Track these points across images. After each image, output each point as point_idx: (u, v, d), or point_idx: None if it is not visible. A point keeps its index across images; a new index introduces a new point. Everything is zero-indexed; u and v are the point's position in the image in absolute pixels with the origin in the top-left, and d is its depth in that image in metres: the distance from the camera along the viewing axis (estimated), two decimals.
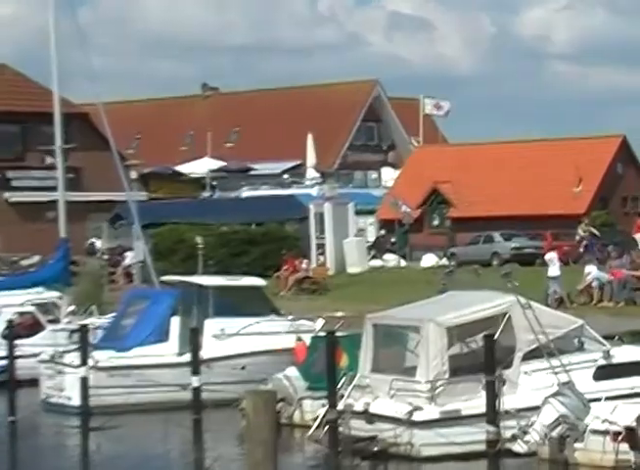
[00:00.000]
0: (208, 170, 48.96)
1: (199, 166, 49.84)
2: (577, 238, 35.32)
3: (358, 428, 14.07)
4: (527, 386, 14.26)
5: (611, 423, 12.83)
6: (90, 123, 38.27)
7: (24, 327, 20.77)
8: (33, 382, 18.74)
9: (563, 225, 37.16)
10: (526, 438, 13.46)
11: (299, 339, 17.65)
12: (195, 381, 14.34)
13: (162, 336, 18.54)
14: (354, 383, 14.49)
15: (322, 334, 16.09)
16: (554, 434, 13.26)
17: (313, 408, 15.45)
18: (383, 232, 41.40)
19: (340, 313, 23.30)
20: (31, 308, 21.61)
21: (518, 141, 43.41)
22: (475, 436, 12.91)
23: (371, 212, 42.47)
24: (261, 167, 50.46)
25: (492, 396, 11.75)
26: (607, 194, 40.80)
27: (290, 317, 19.48)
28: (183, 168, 49.85)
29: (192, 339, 14.94)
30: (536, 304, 15.00)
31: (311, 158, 46.50)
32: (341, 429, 13.46)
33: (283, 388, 15.96)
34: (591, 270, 27.00)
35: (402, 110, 54.53)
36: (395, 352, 14.96)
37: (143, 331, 18.61)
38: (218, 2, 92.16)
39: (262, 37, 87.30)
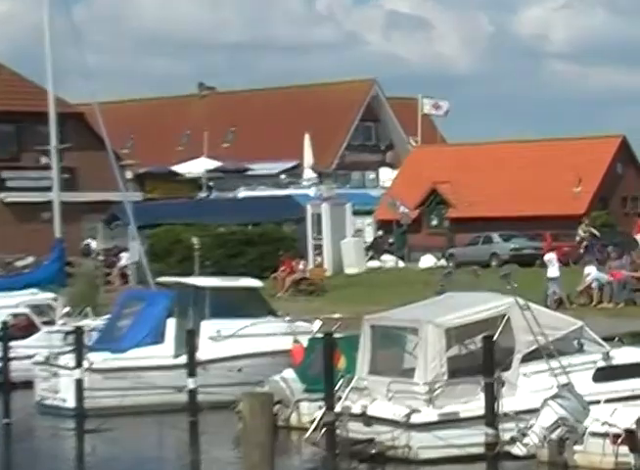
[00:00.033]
0: (205, 170, 48.90)
1: (195, 167, 49.77)
2: (578, 239, 35.22)
3: (356, 430, 14.04)
4: (527, 388, 14.22)
5: (610, 425, 12.80)
6: (85, 123, 38.22)
7: (19, 329, 20.74)
8: (28, 384, 18.72)
9: (562, 226, 37.07)
10: (525, 440, 13.43)
11: (297, 340, 17.69)
12: (191, 383, 14.31)
13: (158, 338, 18.49)
14: (352, 385, 14.45)
15: (319, 335, 16.07)
16: (553, 436, 13.23)
17: (310, 411, 15.43)
18: (380, 233, 41.32)
19: (337, 315, 23.19)
20: (26, 310, 21.57)
21: (517, 141, 43.33)
22: (473, 438, 12.83)
23: (369, 213, 42.40)
24: (258, 168, 50.39)
25: (491, 398, 11.71)
26: (606, 194, 40.72)
27: (287, 319, 19.44)
28: (179, 168, 49.77)
29: (188, 340, 14.90)
30: (535, 305, 14.97)
31: (308, 158, 46.43)
32: (338, 431, 13.45)
33: (280, 390, 15.94)
34: (591, 271, 26.94)
35: (400, 109, 54.43)
36: (393, 354, 14.92)
37: (139, 333, 18.56)
38: None
39: (258, 35, 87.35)
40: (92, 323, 20.36)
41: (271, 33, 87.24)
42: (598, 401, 13.51)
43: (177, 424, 14.92)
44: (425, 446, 13.73)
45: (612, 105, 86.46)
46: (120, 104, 53.78)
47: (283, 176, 48.81)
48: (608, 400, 13.56)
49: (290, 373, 16.53)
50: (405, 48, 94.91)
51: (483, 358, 11.93)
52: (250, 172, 50.51)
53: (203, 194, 46.99)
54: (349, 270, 34.75)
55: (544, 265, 27.62)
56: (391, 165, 51.55)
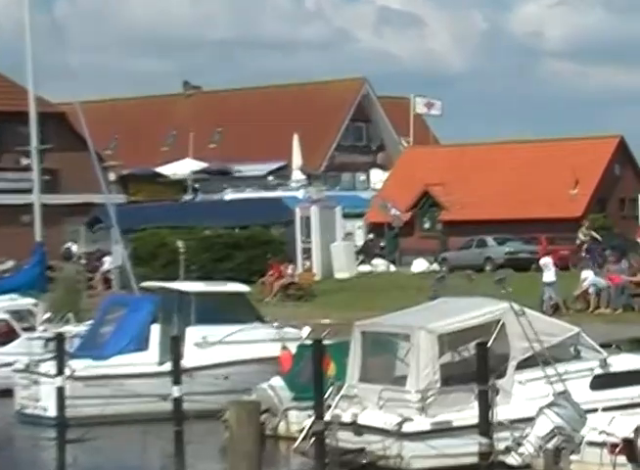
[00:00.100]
0: (190, 172, 48.73)
1: (180, 168, 49.56)
2: (578, 242, 34.92)
3: (346, 440, 13.92)
4: (522, 396, 14.09)
5: (608, 434, 12.64)
6: (67, 123, 38.06)
7: None
8: (7, 392, 18.62)
9: (559, 229, 36.87)
10: (521, 450, 13.34)
11: (285, 347, 17.54)
12: (176, 391, 14.23)
13: (142, 344, 18.35)
14: (342, 393, 14.31)
15: (308, 342, 15.96)
16: (549, 446, 13.16)
17: (299, 419, 15.30)
18: (371, 236, 41.15)
19: (327, 321, 23.30)
20: (6, 316, 21.42)
21: (512, 142, 43.20)
22: (467, 448, 12.81)
23: (359, 216, 42.25)
24: (245, 169, 50.18)
25: (485, 406, 11.69)
26: (604, 196, 40.53)
27: (275, 325, 19.29)
28: (164, 170, 49.56)
29: (173, 347, 14.83)
30: (531, 310, 14.89)
31: (297, 159, 46.21)
32: (327, 441, 13.35)
33: (267, 398, 15.81)
34: (588, 276, 26.73)
35: (392, 109, 54.20)
36: (385, 361, 14.81)
37: (122, 339, 18.42)
38: None
39: (245, 32, 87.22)
40: (74, 329, 20.22)
41: (258, 30, 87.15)
42: (595, 410, 13.37)
43: (162, 433, 14.81)
44: (417, 456, 13.59)
45: (609, 104, 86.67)
46: (103, 103, 53.53)
47: (271, 178, 48.63)
48: (605, 409, 13.42)
49: (278, 381, 16.40)
50: (397, 45, 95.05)
51: (477, 365, 11.99)
52: (237, 174, 50.35)
53: (188, 196, 46.85)
54: (339, 275, 34.61)
55: (540, 270, 27.50)
56: (383, 167, 51.33)
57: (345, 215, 37.71)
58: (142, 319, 18.48)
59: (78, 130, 30.30)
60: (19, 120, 25.70)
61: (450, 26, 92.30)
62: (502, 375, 13.89)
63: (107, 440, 16.43)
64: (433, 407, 13.70)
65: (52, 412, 16.40)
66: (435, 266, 35.75)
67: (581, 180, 39.20)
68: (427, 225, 42.14)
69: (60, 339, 16.16)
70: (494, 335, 13.86)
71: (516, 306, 14.11)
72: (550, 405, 13.36)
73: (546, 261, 27.00)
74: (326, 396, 13.68)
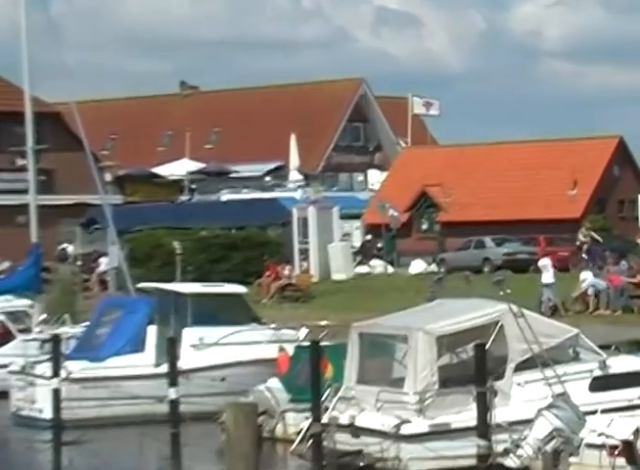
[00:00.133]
0: (187, 172, 48.72)
1: (177, 168, 49.53)
2: (578, 243, 34.85)
3: (343, 442, 13.87)
4: (520, 398, 14.04)
5: (607, 437, 12.56)
6: (63, 123, 37.99)
7: None
8: (3, 394, 18.59)
9: (557, 230, 36.84)
10: (519, 452, 13.21)
11: (282, 349, 17.48)
12: (172, 393, 14.20)
13: (138, 346, 18.33)
14: (339, 395, 14.26)
15: (306, 344, 15.96)
16: (548, 448, 13.06)
17: (296, 421, 15.27)
18: (369, 237, 41.12)
19: (324, 322, 23.26)
20: (1, 317, 21.38)
21: (510, 142, 43.18)
22: (465, 450, 12.79)
23: (357, 216, 42.24)
24: (242, 169, 50.15)
25: (483, 408, 11.72)
26: (603, 197, 40.46)
27: (272, 326, 19.29)
28: (160, 170, 49.52)
29: (169, 349, 14.76)
30: (530, 312, 14.81)
31: (294, 159, 46.15)
32: (325, 443, 13.37)
33: (265, 400, 15.76)
34: (586, 277, 26.69)
35: (390, 109, 54.14)
36: (382, 363, 14.75)
37: (118, 341, 18.39)
38: None
39: (243, 32, 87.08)
40: (70, 331, 20.14)
41: (256, 30, 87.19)
42: (594, 412, 13.29)
43: (158, 436, 14.74)
44: (415, 458, 13.54)
45: (608, 105, 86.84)
46: (99, 103, 53.43)
47: (268, 178, 48.60)
48: (604, 411, 13.37)
49: (275, 383, 16.35)
50: (395, 45, 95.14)
51: (476, 367, 12.02)
52: (233, 174, 50.33)
53: (185, 197, 46.81)
54: (337, 276, 34.58)
55: (538, 271, 27.45)
56: (380, 167, 51.28)
57: (343, 216, 37.69)
58: (138, 321, 18.46)
59: (74, 130, 30.26)
60: (14, 121, 25.63)
61: (448, 26, 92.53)
62: (500, 377, 13.85)
63: (103, 442, 16.40)
64: (430, 409, 13.65)
65: (48, 414, 16.31)
66: (433, 267, 35.73)
67: (580, 181, 39.16)
68: (425, 226, 42.12)
69: (56, 340, 16.08)
70: (493, 336, 13.81)
71: (514, 308, 14.04)
72: (549, 407, 13.25)
73: (545, 263, 26.98)
74: (323, 397, 13.67)
